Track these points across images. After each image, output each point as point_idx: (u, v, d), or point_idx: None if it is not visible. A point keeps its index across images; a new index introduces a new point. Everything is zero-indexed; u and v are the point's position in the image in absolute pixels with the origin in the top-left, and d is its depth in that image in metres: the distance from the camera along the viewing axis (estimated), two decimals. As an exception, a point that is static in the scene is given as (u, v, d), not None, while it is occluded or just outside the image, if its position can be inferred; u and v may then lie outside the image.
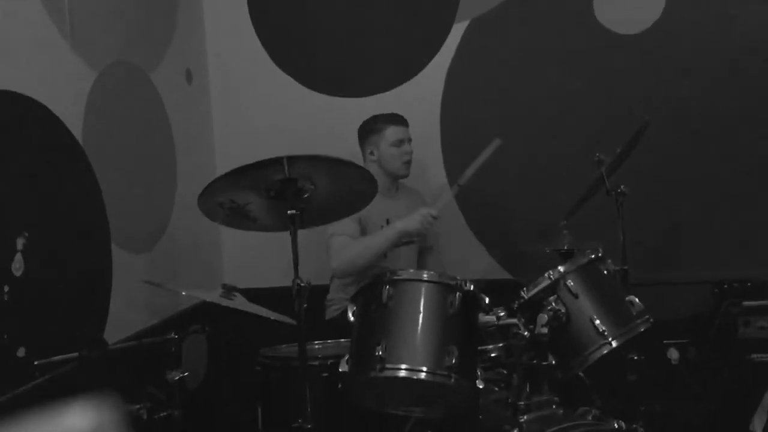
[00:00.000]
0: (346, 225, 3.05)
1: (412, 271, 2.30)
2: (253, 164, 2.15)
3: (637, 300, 2.41)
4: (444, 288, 2.20)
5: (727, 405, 3.23)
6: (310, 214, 2.29)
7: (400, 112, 3.32)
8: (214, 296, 2.47)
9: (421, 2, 3.66)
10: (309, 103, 3.73)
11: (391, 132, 3.21)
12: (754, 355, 3.15)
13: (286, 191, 2.20)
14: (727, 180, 3.49)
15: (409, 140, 3.26)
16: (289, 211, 2.22)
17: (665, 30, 3.46)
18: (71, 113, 2.59)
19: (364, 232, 3.15)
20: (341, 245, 3.06)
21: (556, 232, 3.01)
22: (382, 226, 3.18)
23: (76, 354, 1.98)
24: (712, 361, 3.30)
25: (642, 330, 2.37)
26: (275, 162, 2.15)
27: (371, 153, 3.24)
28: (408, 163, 3.25)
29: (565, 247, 2.93)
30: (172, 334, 2.42)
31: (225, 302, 2.44)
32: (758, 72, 3.42)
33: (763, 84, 3.43)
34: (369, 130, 3.25)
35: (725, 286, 3.32)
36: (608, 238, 2.78)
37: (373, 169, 3.18)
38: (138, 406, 2.15)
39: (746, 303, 3.19)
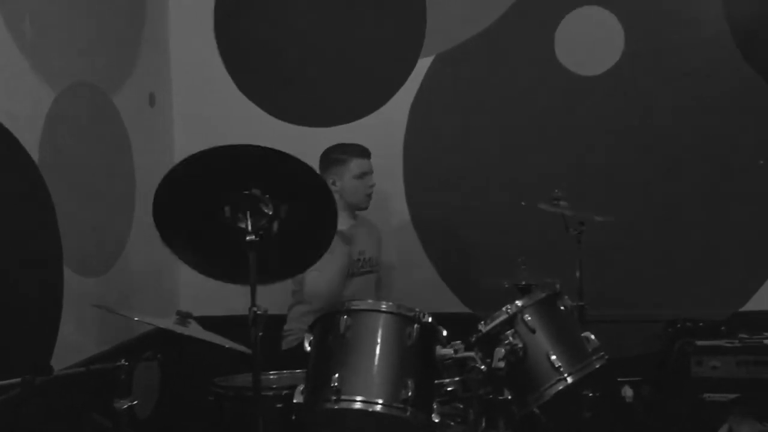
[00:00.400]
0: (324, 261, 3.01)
1: (370, 301, 2.28)
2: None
3: (593, 336, 2.43)
4: (402, 319, 2.19)
5: (680, 444, 3.27)
6: (270, 260, 2.23)
7: (363, 144, 3.33)
8: (168, 323, 2.42)
9: (388, 36, 3.70)
10: (273, 131, 3.71)
11: (356, 165, 3.20)
12: (707, 395, 3.19)
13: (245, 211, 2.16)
14: (685, 219, 3.56)
15: (372, 172, 3.26)
16: (248, 237, 2.19)
17: (625, 71, 3.55)
18: (28, 131, 2.54)
19: None
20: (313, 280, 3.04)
21: (514, 267, 3.03)
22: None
23: (18, 380, 1.90)
24: (666, 400, 3.33)
25: (597, 366, 2.39)
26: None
27: (333, 183, 3.22)
28: (370, 195, 3.25)
29: (523, 282, 2.95)
30: (123, 361, 2.36)
31: (179, 329, 2.39)
32: (720, 110, 3.52)
33: (725, 123, 3.52)
34: (333, 160, 3.24)
35: (679, 326, 3.37)
36: (565, 275, 2.81)
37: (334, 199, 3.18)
38: (83, 434, 2.08)
39: (699, 342, 3.24)
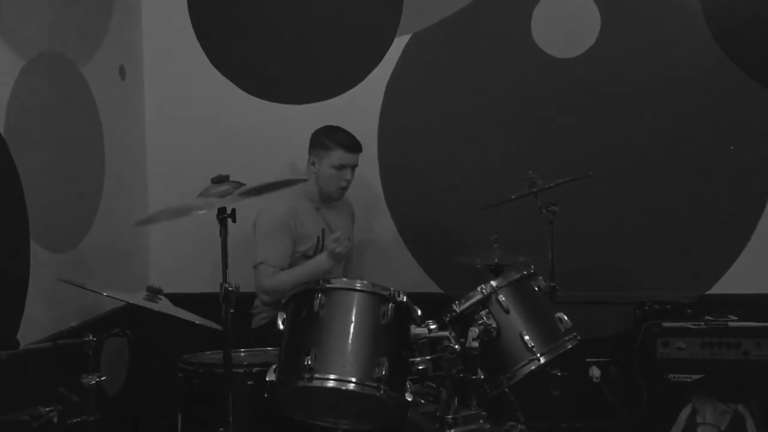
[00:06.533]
0: (276, 254, 3.05)
1: (345, 280, 2.27)
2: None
3: (565, 317, 2.45)
4: (377, 298, 2.18)
5: (645, 423, 3.32)
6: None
7: (338, 122, 3.29)
8: (137, 299, 2.39)
9: (364, 13, 3.65)
10: (246, 108, 3.67)
11: (337, 156, 3.11)
12: (672, 375, 3.24)
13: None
14: (655, 203, 3.59)
15: (354, 167, 3.17)
16: (219, 215, 2.18)
17: (601, 53, 3.56)
18: (-6, 102, 2.47)
19: (294, 244, 3.12)
20: (269, 275, 3.03)
21: (487, 247, 3.04)
22: (318, 237, 3.15)
23: (-16, 353, 1.87)
24: (632, 380, 3.38)
25: (570, 347, 2.41)
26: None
27: (313, 164, 3.19)
28: (343, 189, 3.17)
29: (496, 261, 2.97)
30: (91, 337, 2.33)
31: (149, 305, 2.37)
32: (693, 94, 3.55)
33: (698, 108, 3.55)
34: (320, 142, 3.16)
35: (647, 308, 3.42)
36: (537, 256, 2.82)
37: (312, 178, 3.16)
38: (49, 409, 2.04)
39: (666, 324, 3.28)
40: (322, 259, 3.03)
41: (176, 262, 3.64)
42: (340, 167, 3.13)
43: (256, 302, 3.24)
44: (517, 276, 2.45)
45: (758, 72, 3.50)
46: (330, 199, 3.21)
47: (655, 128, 3.58)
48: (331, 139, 3.14)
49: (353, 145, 3.15)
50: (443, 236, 3.66)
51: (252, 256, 3.08)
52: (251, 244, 3.14)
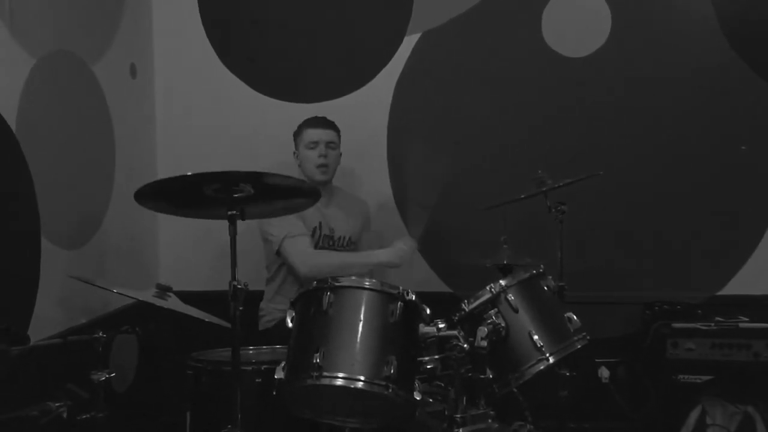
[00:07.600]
0: (294, 225, 3.04)
1: (353, 278, 2.26)
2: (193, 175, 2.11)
3: (575, 317, 2.44)
4: (386, 297, 2.18)
5: (653, 424, 3.31)
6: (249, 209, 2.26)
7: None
8: (147, 296, 2.40)
9: (374, 12, 3.66)
10: (255, 106, 3.68)
11: (307, 134, 3.17)
12: (681, 376, 3.22)
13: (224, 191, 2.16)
14: (666, 204, 3.58)
15: (330, 143, 3.16)
16: (229, 212, 2.18)
17: (611, 53, 3.54)
18: (5, 99, 2.48)
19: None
20: (303, 248, 3.02)
21: (496, 248, 3.04)
22: (314, 228, 3.15)
23: (-6, 349, 1.88)
24: (641, 381, 3.37)
25: (579, 347, 2.40)
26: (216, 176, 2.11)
27: (297, 157, 3.22)
28: (322, 167, 3.13)
29: (505, 262, 2.96)
30: (100, 333, 2.33)
31: (158, 302, 2.38)
32: (705, 94, 3.53)
33: (709, 108, 3.53)
34: (294, 134, 3.25)
35: (656, 308, 3.41)
36: (547, 257, 2.81)
37: (299, 173, 3.17)
38: (58, 405, 2.05)
39: (675, 325, 3.27)
40: (383, 252, 3.07)
41: (185, 259, 3.66)
42: (313, 144, 3.15)
43: (262, 304, 3.24)
44: (526, 275, 2.44)
45: (770, 72, 3.49)
46: (316, 183, 3.10)
47: (665, 128, 3.56)
48: (300, 125, 3.22)
49: (318, 120, 3.20)
50: (452, 235, 3.65)
51: (271, 241, 3.08)
52: (258, 242, 3.16)
